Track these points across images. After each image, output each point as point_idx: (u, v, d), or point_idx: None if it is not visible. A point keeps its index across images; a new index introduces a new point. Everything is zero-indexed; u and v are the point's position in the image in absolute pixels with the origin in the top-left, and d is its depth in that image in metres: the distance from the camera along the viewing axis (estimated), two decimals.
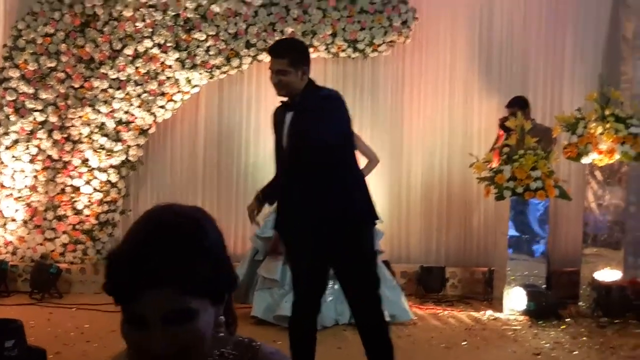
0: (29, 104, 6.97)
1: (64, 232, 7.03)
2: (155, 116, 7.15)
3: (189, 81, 7.14)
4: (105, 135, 7.06)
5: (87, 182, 7.04)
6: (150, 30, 7.01)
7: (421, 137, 7.83)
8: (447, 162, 7.84)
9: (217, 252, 1.36)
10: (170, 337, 1.28)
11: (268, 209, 6.39)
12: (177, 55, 7.03)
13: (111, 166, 7.08)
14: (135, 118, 7.10)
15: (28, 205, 7.02)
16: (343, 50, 7.31)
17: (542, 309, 6.15)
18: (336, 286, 5.75)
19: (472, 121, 7.85)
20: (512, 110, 6.98)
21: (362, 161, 6.49)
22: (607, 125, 6.31)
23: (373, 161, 6.39)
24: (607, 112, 6.39)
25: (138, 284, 1.28)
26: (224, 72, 7.25)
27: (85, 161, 7.04)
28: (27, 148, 7.00)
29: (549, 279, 6.59)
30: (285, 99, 3.79)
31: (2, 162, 6.93)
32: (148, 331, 1.28)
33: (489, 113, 7.82)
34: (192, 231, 1.34)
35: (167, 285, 1.27)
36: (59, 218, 7.03)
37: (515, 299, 6.33)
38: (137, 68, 7.01)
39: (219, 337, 1.38)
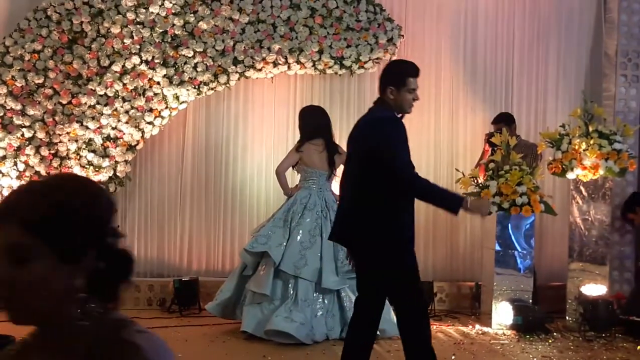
0: (17, 120, 6.95)
1: None
2: (143, 132, 7.16)
3: (176, 97, 7.16)
4: (93, 151, 7.05)
5: None
6: (137, 46, 7.04)
7: None
8: (433, 177, 7.85)
9: (88, 217, 1.39)
10: (1, 273, 1.34)
11: (260, 224, 6.43)
12: (164, 71, 7.05)
13: (99, 182, 7.07)
14: (123, 134, 7.10)
15: None
16: (330, 67, 7.36)
17: (529, 324, 6.21)
18: (326, 301, 5.79)
19: (457, 137, 7.93)
20: (498, 127, 7.07)
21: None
22: (591, 142, 6.40)
23: None
24: (590, 129, 6.49)
25: None
26: (212, 89, 7.28)
27: None
28: (15, 164, 6.97)
29: (535, 294, 6.65)
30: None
31: None
32: None
33: (474, 129, 7.91)
34: (66, 188, 1.40)
35: (11, 221, 1.34)
36: None
37: (502, 314, 6.38)
38: (124, 84, 7.03)
39: (86, 308, 1.39)
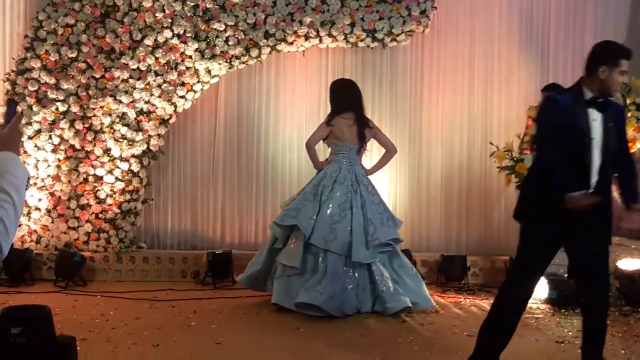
0: (51, 94, 7.02)
1: (87, 221, 7.08)
2: (175, 106, 7.19)
3: (208, 71, 7.16)
4: (127, 125, 7.10)
5: (109, 172, 7.10)
6: (169, 20, 7.04)
7: (440, 127, 7.82)
8: (467, 151, 7.83)
9: None
10: None
11: (290, 197, 6.44)
12: (196, 45, 7.05)
13: (133, 156, 7.12)
14: (156, 108, 7.14)
15: (51, 194, 7.09)
16: (362, 40, 7.30)
17: (564, 298, 6.14)
18: (357, 274, 5.79)
19: (491, 110, 7.83)
20: (547, 94, 6.96)
21: (380, 151, 6.53)
22: (629, 115, 6.27)
23: (391, 151, 6.39)
24: (628, 101, 6.36)
25: None
26: (243, 62, 7.26)
27: (107, 151, 7.10)
28: (50, 138, 7.06)
29: (571, 268, 6.56)
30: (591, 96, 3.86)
31: (25, 152, 6.99)
32: None
33: (509, 102, 7.80)
34: None
35: None
36: (82, 207, 7.09)
37: (537, 288, 6.30)
38: (157, 58, 7.05)
39: None
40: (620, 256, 6.38)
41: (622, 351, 4.78)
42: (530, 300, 6.11)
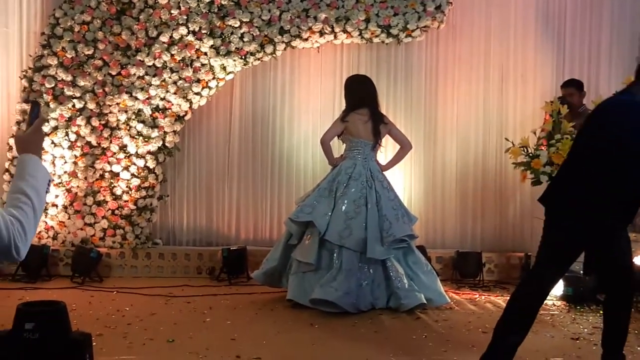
0: (68, 91, 7.07)
1: (104, 217, 7.14)
2: (191, 103, 7.21)
3: (223, 68, 7.18)
4: (142, 121, 7.14)
5: (126, 168, 7.14)
6: (184, 17, 7.07)
7: (456, 123, 7.80)
8: (482, 147, 7.80)
9: None
10: None
11: (305, 193, 6.46)
12: (211, 42, 7.07)
13: (148, 152, 7.16)
14: (172, 105, 7.17)
15: (68, 190, 7.14)
16: (376, 36, 7.29)
17: (580, 294, 6.12)
18: (371, 270, 5.80)
19: (507, 106, 7.79)
20: (568, 91, 6.95)
21: (395, 147, 6.53)
22: None
23: (406, 147, 6.37)
24: None
25: None
26: (258, 59, 7.28)
27: (123, 147, 7.14)
28: (67, 134, 7.11)
29: (586, 264, 6.53)
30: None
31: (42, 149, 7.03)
32: None
33: (524, 98, 7.76)
34: None
35: None
36: (99, 203, 7.14)
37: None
38: (172, 55, 7.08)
39: None
40: (637, 252, 6.35)
41: (639, 348, 4.75)
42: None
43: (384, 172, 6.24)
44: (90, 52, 7.08)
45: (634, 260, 4.11)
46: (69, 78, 7.07)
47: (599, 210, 3.71)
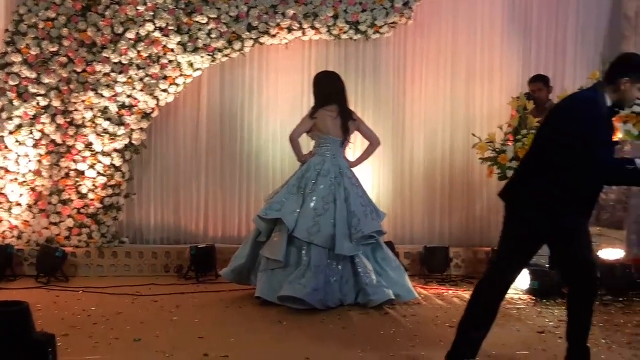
0: (32, 89, 6.97)
1: (69, 216, 7.05)
2: (157, 100, 7.15)
3: (190, 64, 7.13)
4: (108, 119, 7.06)
5: (91, 166, 7.06)
6: (151, 13, 7.00)
7: (423, 119, 7.84)
8: (450, 143, 7.86)
9: None
10: None
11: (274, 190, 6.44)
12: (178, 38, 7.01)
13: (115, 150, 7.09)
14: (138, 102, 7.10)
15: (32, 189, 7.04)
16: (345, 32, 7.29)
17: (545, 288, 6.19)
18: (340, 267, 5.81)
19: (474, 102, 7.86)
20: (535, 86, 7.00)
21: (364, 144, 6.54)
22: None
23: (375, 143, 6.38)
24: None
25: None
26: (226, 55, 7.24)
27: (88, 145, 7.05)
28: (31, 132, 7.00)
29: (552, 258, 6.60)
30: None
31: (6, 147, 6.93)
32: None
33: (491, 93, 7.84)
34: None
35: None
36: (64, 202, 7.05)
37: (519, 278, 6.33)
38: (139, 52, 7.00)
39: None
40: (601, 246, 6.45)
41: (603, 340, 4.83)
42: (512, 291, 6.23)
43: (352, 169, 6.25)
44: (55, 49, 6.98)
45: (594, 254, 4.16)
46: (34, 75, 6.97)
47: (561, 202, 3.76)
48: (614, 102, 3.85)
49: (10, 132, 6.94)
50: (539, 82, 7.09)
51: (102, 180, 7.08)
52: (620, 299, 6.10)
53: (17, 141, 6.98)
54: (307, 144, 6.61)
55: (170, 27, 7.01)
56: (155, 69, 7.04)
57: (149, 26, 6.97)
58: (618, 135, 6.41)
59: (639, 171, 3.68)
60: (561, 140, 3.75)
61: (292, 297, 5.58)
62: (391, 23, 7.29)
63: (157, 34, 7.00)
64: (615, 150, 4.09)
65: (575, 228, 3.87)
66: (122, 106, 7.08)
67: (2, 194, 7.00)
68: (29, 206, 7.04)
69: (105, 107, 7.05)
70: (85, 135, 7.04)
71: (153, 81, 7.06)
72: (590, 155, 3.66)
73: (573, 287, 4.04)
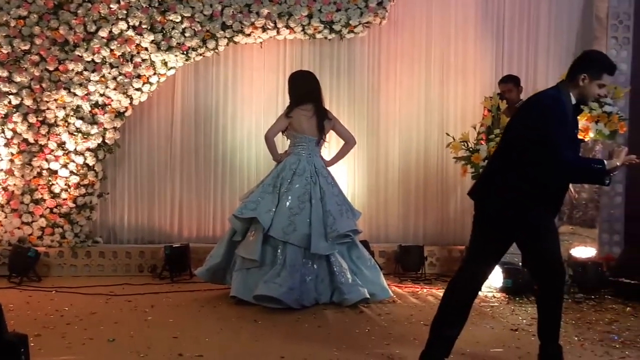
0: (4, 87, 6.88)
1: (42, 216, 6.98)
2: (131, 99, 7.10)
3: (164, 63, 7.09)
4: (81, 118, 7.00)
5: (64, 166, 6.99)
6: (124, 12, 6.95)
7: (398, 118, 7.88)
8: (424, 142, 7.90)
9: None
10: None
11: (249, 189, 6.43)
12: (152, 37, 6.97)
13: (88, 149, 7.03)
14: (111, 101, 7.05)
15: (4, 189, 6.96)
16: (319, 32, 7.30)
17: (519, 286, 6.24)
18: (315, 266, 5.81)
19: (448, 101, 7.91)
20: (506, 86, 7.05)
21: (339, 143, 6.55)
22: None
23: (350, 142, 6.40)
24: None
25: None
26: (200, 54, 7.21)
27: (61, 144, 6.99)
28: (2, 131, 6.93)
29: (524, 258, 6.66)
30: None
31: None
32: None
33: (465, 93, 7.89)
34: None
35: None
36: (36, 202, 6.98)
37: (492, 277, 6.39)
38: (112, 50, 6.95)
39: None
40: (574, 244, 6.52)
41: (575, 338, 4.87)
42: (486, 289, 6.28)
43: (328, 168, 6.26)
44: (26, 48, 6.90)
45: (562, 251, 4.21)
46: (5, 74, 6.89)
47: (528, 198, 3.81)
48: (577, 99, 3.93)
49: None
50: (510, 82, 7.15)
51: (75, 179, 7.02)
52: (593, 296, 6.17)
53: None
54: (282, 143, 6.61)
55: (143, 26, 6.97)
56: (128, 68, 6.99)
57: (122, 24, 6.93)
58: (590, 135, 6.51)
59: (604, 171, 3.73)
60: (527, 138, 3.80)
61: (267, 296, 5.57)
62: (365, 23, 7.32)
63: (130, 32, 6.96)
64: (580, 148, 4.18)
65: (542, 224, 3.92)
66: (96, 105, 7.03)
67: None
68: (1, 206, 6.96)
69: (78, 106, 6.99)
70: (58, 135, 6.98)
71: (127, 80, 7.01)
72: (554, 153, 3.71)
73: (542, 284, 4.09)
